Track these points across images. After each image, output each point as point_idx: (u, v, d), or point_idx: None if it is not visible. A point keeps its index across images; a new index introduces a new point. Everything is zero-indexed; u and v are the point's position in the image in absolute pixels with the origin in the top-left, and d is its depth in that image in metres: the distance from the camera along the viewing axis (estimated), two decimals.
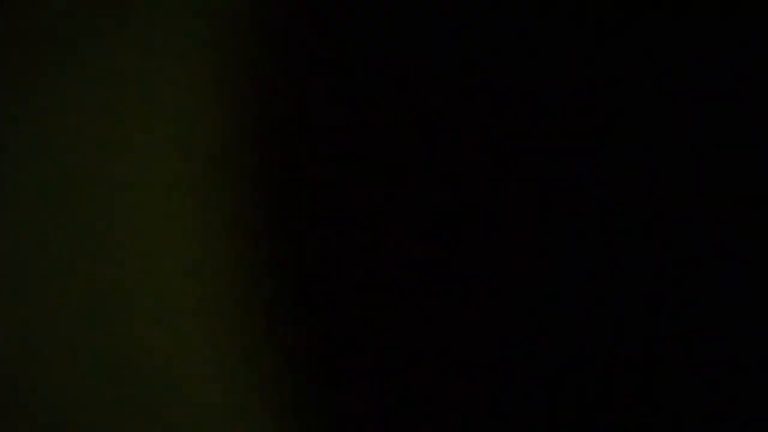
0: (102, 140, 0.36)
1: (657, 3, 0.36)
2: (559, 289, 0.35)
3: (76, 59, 0.36)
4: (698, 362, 0.35)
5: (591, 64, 0.36)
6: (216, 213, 0.36)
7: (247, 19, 0.37)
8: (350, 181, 0.36)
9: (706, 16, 0.36)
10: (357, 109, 0.36)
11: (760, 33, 0.35)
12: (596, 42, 0.36)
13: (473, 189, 0.35)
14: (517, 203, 0.35)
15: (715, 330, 0.35)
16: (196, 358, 0.35)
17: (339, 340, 0.35)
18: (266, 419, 0.35)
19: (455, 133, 0.36)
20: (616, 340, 0.35)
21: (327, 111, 0.36)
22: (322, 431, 0.35)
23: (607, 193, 0.35)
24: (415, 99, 0.36)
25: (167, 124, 0.36)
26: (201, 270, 0.36)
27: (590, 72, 0.36)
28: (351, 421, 0.35)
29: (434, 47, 0.36)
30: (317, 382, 0.35)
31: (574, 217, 0.35)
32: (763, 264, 0.35)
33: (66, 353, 0.35)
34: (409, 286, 0.35)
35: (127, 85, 0.36)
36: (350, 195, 0.36)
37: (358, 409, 0.35)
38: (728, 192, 0.35)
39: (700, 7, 0.36)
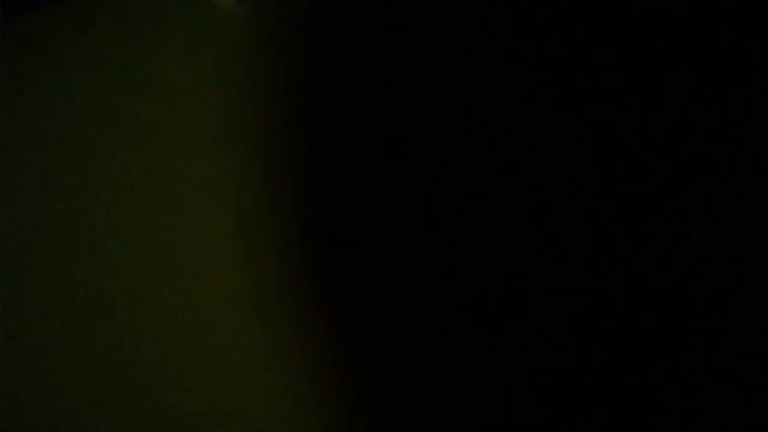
0: (134, 143, 0.36)
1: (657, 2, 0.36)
2: (559, 289, 0.35)
3: (110, 66, 0.37)
4: (698, 362, 0.35)
5: (591, 63, 0.36)
6: (251, 207, 0.36)
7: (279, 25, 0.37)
8: (377, 183, 0.36)
9: (706, 16, 0.36)
10: (392, 116, 0.36)
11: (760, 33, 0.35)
12: (597, 42, 0.36)
13: (473, 188, 0.35)
14: (517, 203, 0.35)
15: (715, 329, 0.35)
16: (236, 354, 0.35)
17: (358, 336, 0.36)
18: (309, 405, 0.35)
19: (456, 132, 0.36)
20: (615, 340, 0.35)
21: (355, 113, 0.36)
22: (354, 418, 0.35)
23: (607, 193, 0.35)
24: (427, 101, 0.36)
25: (199, 126, 0.36)
26: (234, 266, 0.36)
27: (590, 72, 0.36)
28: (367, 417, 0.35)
29: (435, 47, 0.36)
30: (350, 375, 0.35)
31: (573, 216, 0.35)
32: (764, 264, 0.35)
33: (83, 354, 0.36)
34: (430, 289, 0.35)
35: (153, 90, 0.36)
36: (373, 196, 0.36)
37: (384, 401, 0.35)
38: (728, 192, 0.35)
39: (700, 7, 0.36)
